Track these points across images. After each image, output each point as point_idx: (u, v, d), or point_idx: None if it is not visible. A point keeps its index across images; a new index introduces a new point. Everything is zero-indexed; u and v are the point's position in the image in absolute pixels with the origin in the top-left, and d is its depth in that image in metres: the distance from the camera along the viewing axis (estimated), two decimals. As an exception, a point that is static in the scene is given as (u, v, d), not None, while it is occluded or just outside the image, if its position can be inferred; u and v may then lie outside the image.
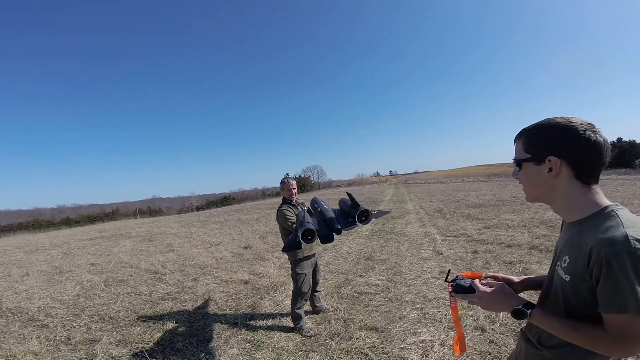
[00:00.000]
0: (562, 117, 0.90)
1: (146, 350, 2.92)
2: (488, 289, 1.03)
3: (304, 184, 52.60)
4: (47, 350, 3.03)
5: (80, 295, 4.59)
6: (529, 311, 0.90)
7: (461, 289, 1.12)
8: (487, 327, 2.87)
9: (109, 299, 4.37)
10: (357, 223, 2.21)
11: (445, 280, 1.25)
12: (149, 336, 3.25)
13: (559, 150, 0.87)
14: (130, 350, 3.00)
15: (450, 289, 1.18)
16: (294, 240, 2.27)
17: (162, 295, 4.46)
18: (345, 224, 2.26)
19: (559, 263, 0.94)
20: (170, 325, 3.47)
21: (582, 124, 0.86)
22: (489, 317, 3.03)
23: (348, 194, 2.46)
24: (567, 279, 0.88)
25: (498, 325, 2.89)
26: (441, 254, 5.43)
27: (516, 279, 1.20)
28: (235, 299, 4.18)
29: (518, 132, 0.98)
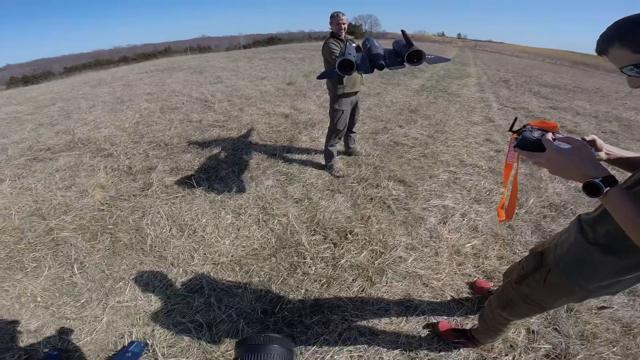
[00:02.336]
0: None
1: (194, 178, 3.18)
2: (562, 148, 0.77)
3: (353, 32, 46.91)
4: (112, 182, 3.26)
5: (140, 122, 4.90)
6: (606, 189, 0.68)
7: (526, 144, 0.85)
8: (512, 210, 2.75)
9: (164, 126, 4.67)
10: (406, 64, 1.87)
11: (510, 130, 0.98)
12: (198, 163, 3.50)
13: None
14: (180, 177, 3.25)
15: (513, 142, 0.93)
16: (331, 69, 2.08)
17: (211, 123, 4.74)
18: (393, 62, 1.94)
19: None
20: (216, 151, 3.77)
21: None
22: (517, 200, 2.86)
23: (402, 32, 2.01)
24: None
25: (523, 211, 2.75)
26: (493, 121, 4.98)
27: (606, 150, 0.93)
28: (275, 131, 4.39)
29: (606, 37, 0.75)
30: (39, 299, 2.00)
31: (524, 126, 0.92)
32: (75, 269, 2.19)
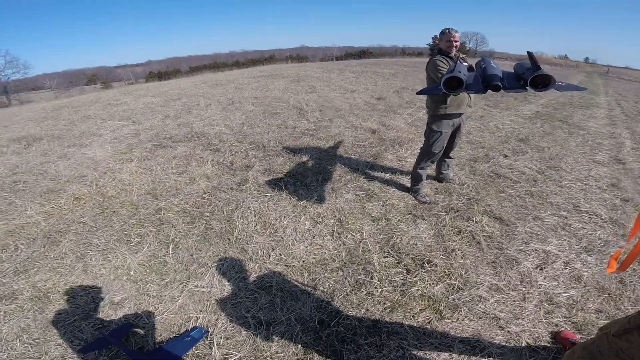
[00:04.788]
0: None
1: (283, 181, 3.38)
2: None
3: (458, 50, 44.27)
4: (216, 174, 3.63)
5: (244, 123, 5.44)
6: None
7: None
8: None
9: (264, 129, 5.10)
10: (529, 88, 1.64)
11: None
12: (288, 167, 3.71)
13: None
14: (272, 178, 3.47)
15: None
16: (434, 86, 1.91)
17: (303, 131, 5.00)
18: (513, 85, 1.72)
19: None
20: (304, 159, 3.95)
21: None
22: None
23: (528, 53, 1.79)
24: None
25: (644, 267, 2.22)
26: (623, 163, 4.14)
27: None
28: (361, 145, 4.40)
29: None
30: (132, 273, 2.28)
31: None
32: (170, 249, 2.48)
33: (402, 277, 2.19)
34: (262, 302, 2.01)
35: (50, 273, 2.27)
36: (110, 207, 3.04)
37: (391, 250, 2.44)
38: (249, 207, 2.96)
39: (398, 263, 2.32)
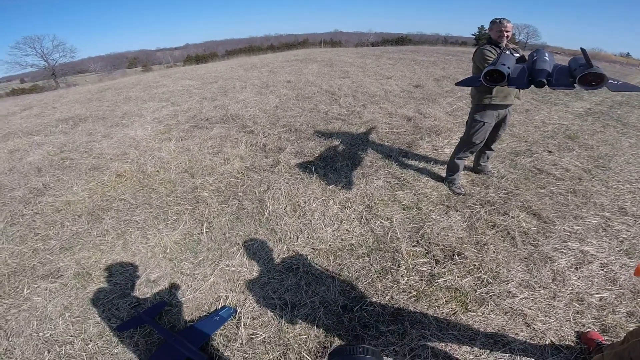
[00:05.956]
0: None
1: (313, 164, 3.42)
2: None
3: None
4: (249, 155, 3.73)
5: (278, 107, 5.49)
6: None
7: None
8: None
9: (297, 113, 5.13)
10: (577, 85, 1.54)
11: None
12: (318, 151, 3.75)
13: None
14: (303, 161, 3.52)
15: None
16: (474, 77, 1.83)
17: (335, 115, 4.97)
18: (561, 82, 1.62)
19: None
20: (335, 143, 3.94)
21: None
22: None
23: (582, 50, 1.66)
24: None
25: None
26: None
27: None
28: (395, 133, 4.30)
29: None
30: (168, 250, 2.37)
31: None
32: (204, 228, 2.58)
33: (430, 267, 2.17)
34: (288, 283, 2.07)
35: (93, 250, 2.40)
36: (149, 184, 3.20)
37: (421, 239, 2.41)
38: (279, 189, 3.02)
39: (427, 253, 2.29)
